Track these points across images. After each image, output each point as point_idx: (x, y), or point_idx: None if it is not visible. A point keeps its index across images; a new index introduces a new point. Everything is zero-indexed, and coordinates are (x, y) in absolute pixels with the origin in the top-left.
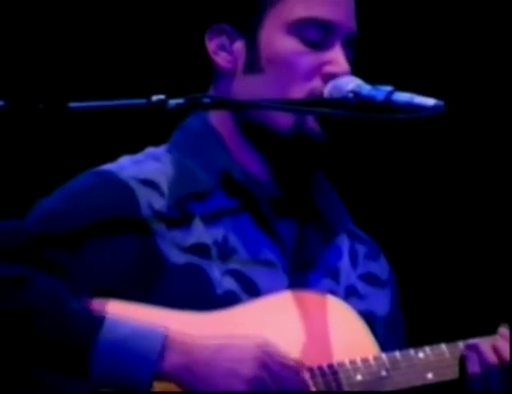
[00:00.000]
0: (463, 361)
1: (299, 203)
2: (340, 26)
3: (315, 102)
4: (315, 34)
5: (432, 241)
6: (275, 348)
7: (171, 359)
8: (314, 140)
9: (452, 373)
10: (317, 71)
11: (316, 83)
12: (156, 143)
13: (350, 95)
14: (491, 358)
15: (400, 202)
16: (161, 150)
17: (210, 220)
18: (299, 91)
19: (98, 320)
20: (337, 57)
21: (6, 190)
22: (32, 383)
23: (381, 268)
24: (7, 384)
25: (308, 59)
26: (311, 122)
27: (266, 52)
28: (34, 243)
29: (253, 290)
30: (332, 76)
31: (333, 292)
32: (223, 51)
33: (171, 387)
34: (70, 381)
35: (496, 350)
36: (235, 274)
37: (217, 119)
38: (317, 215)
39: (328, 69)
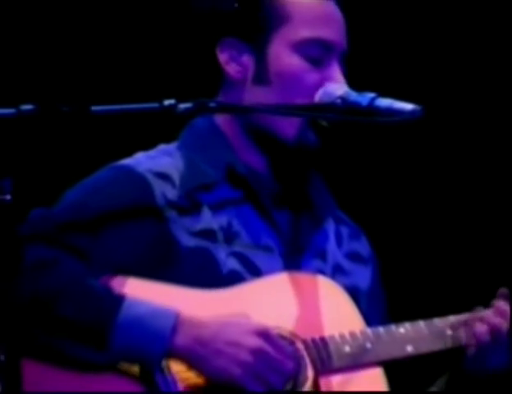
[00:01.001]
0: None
1: (293, 196)
2: (337, 45)
3: (308, 106)
4: (317, 52)
5: (407, 224)
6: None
7: (182, 336)
8: (310, 146)
9: (428, 346)
10: (319, 86)
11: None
12: (165, 140)
13: (339, 101)
14: (498, 321)
15: (379, 190)
16: (172, 147)
17: (216, 209)
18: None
19: (118, 300)
20: (336, 74)
21: (37, 183)
22: (55, 354)
23: (362, 247)
24: (32, 354)
25: (312, 76)
26: (309, 133)
27: (274, 67)
28: (60, 229)
29: (254, 271)
30: None
31: (322, 271)
32: (234, 62)
33: (183, 365)
34: (91, 354)
35: (499, 312)
36: (239, 256)
37: (223, 121)
38: (309, 204)
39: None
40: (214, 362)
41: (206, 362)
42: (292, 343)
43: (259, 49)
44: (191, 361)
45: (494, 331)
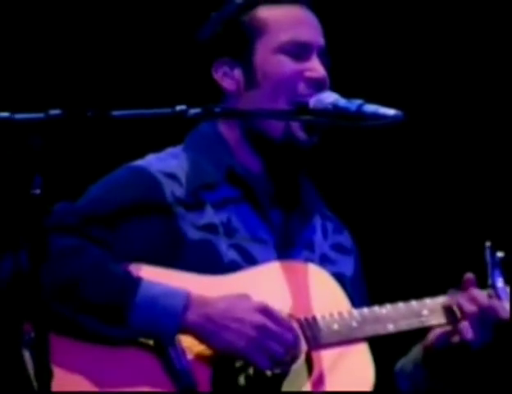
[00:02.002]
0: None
1: (285, 195)
2: (313, 42)
3: (303, 111)
4: (295, 50)
5: (385, 219)
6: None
7: (193, 313)
8: (299, 145)
9: (407, 324)
10: (300, 75)
11: (301, 87)
12: (172, 142)
13: (330, 107)
14: (471, 308)
15: (362, 190)
16: (178, 150)
17: (218, 206)
18: (289, 94)
19: (136, 282)
20: (315, 65)
21: (63, 179)
22: (79, 330)
23: (345, 239)
24: (59, 331)
25: (293, 67)
26: (298, 131)
27: (260, 71)
28: (82, 221)
29: (251, 261)
30: (313, 80)
31: (310, 260)
32: (227, 77)
33: (192, 340)
34: (111, 330)
35: (473, 300)
36: (238, 248)
37: (225, 127)
38: (299, 202)
39: (309, 74)
40: (221, 336)
41: (214, 336)
42: (288, 321)
43: (246, 61)
44: (200, 335)
45: (483, 310)
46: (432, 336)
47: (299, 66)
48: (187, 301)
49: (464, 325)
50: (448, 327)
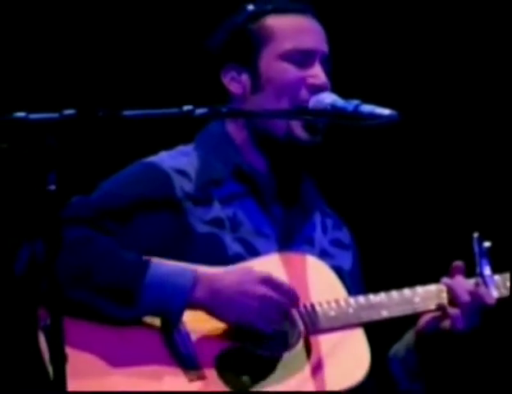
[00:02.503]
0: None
1: (287, 192)
2: (316, 50)
3: (304, 111)
4: (299, 58)
5: (381, 217)
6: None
7: (200, 289)
8: (300, 144)
9: (399, 311)
10: (302, 82)
11: (303, 93)
12: (182, 140)
13: (329, 107)
14: (461, 297)
15: (361, 189)
16: (189, 148)
17: (224, 202)
18: (290, 99)
19: (145, 263)
20: (317, 72)
21: (77, 175)
22: (91, 313)
23: (344, 235)
24: (72, 314)
25: (296, 74)
26: (298, 130)
27: (265, 76)
28: (95, 214)
29: (254, 253)
30: (315, 86)
31: (310, 254)
32: (234, 82)
33: (200, 314)
34: (121, 311)
35: (462, 289)
36: (242, 241)
37: (232, 127)
38: (300, 200)
39: (311, 81)
40: (228, 309)
41: (221, 309)
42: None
43: (253, 67)
44: (208, 310)
45: (475, 298)
46: (422, 321)
47: (302, 73)
48: (195, 278)
49: (455, 314)
50: (438, 313)
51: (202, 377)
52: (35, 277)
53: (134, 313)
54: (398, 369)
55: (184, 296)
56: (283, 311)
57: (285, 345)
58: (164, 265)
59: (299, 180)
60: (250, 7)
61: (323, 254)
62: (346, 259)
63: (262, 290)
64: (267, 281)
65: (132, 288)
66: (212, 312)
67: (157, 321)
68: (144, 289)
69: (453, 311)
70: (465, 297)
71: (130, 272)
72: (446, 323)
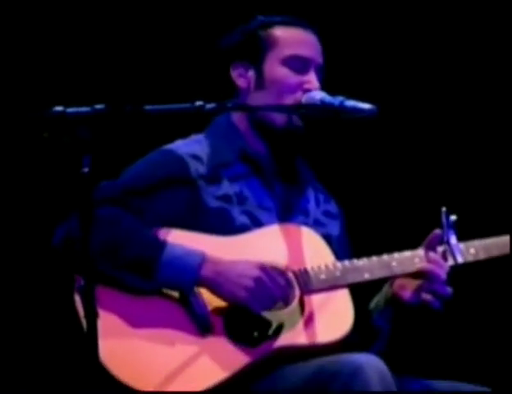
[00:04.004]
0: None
1: (285, 171)
2: (312, 59)
3: (297, 106)
4: (297, 64)
5: (363, 190)
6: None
7: (206, 270)
8: (297, 132)
9: (379, 273)
10: (299, 86)
11: (298, 94)
12: (193, 130)
13: (318, 102)
14: (432, 268)
15: (346, 168)
16: (200, 136)
17: (232, 180)
18: (288, 99)
19: (162, 245)
20: (311, 79)
21: (107, 161)
22: (117, 283)
23: (332, 207)
24: (102, 283)
25: (294, 79)
26: (296, 121)
27: (268, 77)
28: (122, 194)
29: (258, 224)
30: (308, 90)
31: (306, 223)
32: (241, 77)
33: (209, 294)
34: (143, 283)
35: (432, 261)
36: (248, 214)
37: (237, 118)
38: (296, 178)
39: (306, 86)
40: (227, 288)
41: (222, 287)
42: (285, 272)
43: (258, 67)
44: (212, 287)
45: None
46: (396, 286)
47: (299, 78)
48: (202, 260)
49: (429, 299)
50: (414, 284)
51: (213, 333)
52: (71, 249)
53: (154, 286)
54: (379, 321)
55: (193, 274)
56: (274, 298)
57: (285, 304)
58: (177, 247)
59: (295, 162)
60: (262, 17)
61: (316, 223)
62: (335, 227)
63: (258, 274)
64: (264, 269)
65: (151, 266)
66: (214, 289)
67: (175, 292)
68: (161, 267)
69: (425, 295)
70: (432, 267)
71: (149, 252)
72: (428, 296)
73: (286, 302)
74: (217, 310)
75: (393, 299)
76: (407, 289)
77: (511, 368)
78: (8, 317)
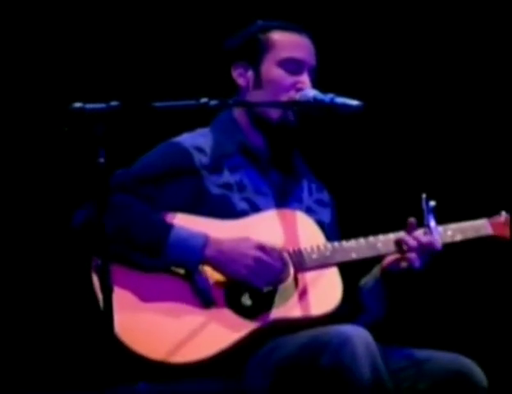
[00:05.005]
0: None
1: (281, 162)
2: (306, 61)
3: (292, 103)
4: (292, 66)
5: (353, 179)
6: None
7: (209, 250)
8: (290, 126)
9: (365, 253)
10: (293, 86)
11: (292, 93)
12: (199, 124)
13: (311, 99)
14: (415, 243)
15: (337, 159)
16: (205, 130)
17: (233, 170)
18: (283, 97)
19: (169, 227)
20: (305, 80)
21: (120, 152)
22: (130, 261)
23: (324, 196)
24: (116, 261)
25: (288, 80)
26: (290, 116)
27: (265, 77)
28: (134, 182)
29: (257, 209)
30: (301, 90)
31: (299, 210)
32: (241, 76)
33: (212, 271)
34: (152, 261)
35: (416, 238)
36: (247, 200)
37: (238, 113)
38: (291, 168)
39: (300, 86)
40: (229, 266)
41: (225, 266)
42: (281, 252)
43: (256, 67)
44: (215, 266)
45: (422, 246)
46: (386, 261)
47: (293, 79)
48: (205, 241)
49: (412, 256)
50: (397, 256)
51: (215, 306)
52: (89, 231)
53: (161, 264)
54: (367, 297)
55: (197, 254)
56: (271, 275)
57: (281, 280)
58: (183, 230)
59: (291, 155)
60: (261, 22)
61: (309, 211)
62: (326, 215)
63: (258, 253)
64: (262, 247)
65: (159, 247)
66: (218, 267)
67: (181, 269)
68: (168, 247)
69: (410, 254)
70: (415, 242)
71: (157, 234)
72: (404, 264)
73: (282, 279)
74: (219, 284)
75: (382, 274)
76: (390, 260)
77: (494, 338)
78: (31, 293)
